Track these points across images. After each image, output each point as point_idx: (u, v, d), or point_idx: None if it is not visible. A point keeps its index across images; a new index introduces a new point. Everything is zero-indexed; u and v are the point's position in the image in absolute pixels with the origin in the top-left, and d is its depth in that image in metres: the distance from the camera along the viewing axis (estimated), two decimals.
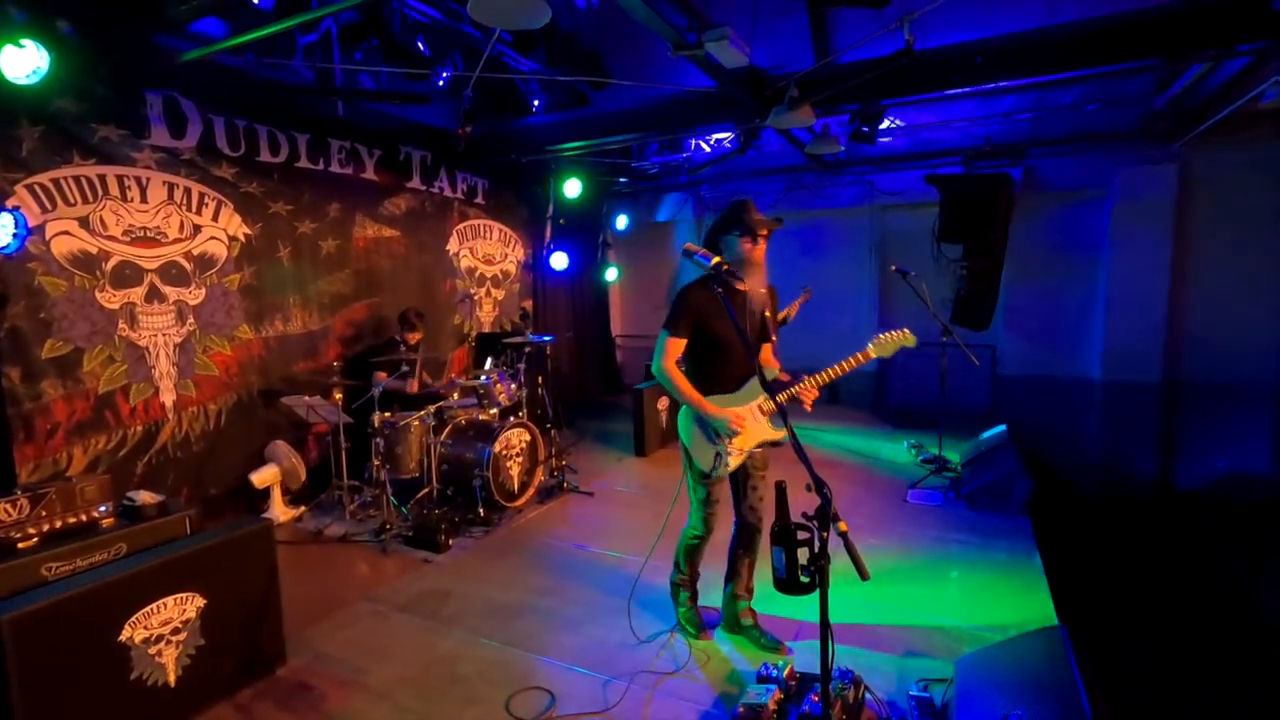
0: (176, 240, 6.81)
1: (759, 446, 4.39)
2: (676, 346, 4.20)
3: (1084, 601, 5.93)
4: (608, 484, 8.11)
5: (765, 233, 4.20)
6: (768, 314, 4.34)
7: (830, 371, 4.27)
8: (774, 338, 4.47)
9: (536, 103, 8.93)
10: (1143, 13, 5.76)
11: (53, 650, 3.33)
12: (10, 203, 5.58)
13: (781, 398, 3.97)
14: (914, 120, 9.72)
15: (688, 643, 4.64)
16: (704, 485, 4.37)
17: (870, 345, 4.40)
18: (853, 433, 10.31)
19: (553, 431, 8.30)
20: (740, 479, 4.49)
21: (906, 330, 4.39)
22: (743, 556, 4.66)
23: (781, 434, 4.27)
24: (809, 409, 4.25)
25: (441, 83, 7.34)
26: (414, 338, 8.01)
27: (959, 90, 7.03)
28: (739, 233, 4.17)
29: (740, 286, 4.13)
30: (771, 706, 3.66)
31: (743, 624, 4.69)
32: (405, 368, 7.47)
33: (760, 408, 4.28)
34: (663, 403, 9.87)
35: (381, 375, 7.43)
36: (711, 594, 4.93)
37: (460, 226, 10.50)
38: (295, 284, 7.96)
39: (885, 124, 8.82)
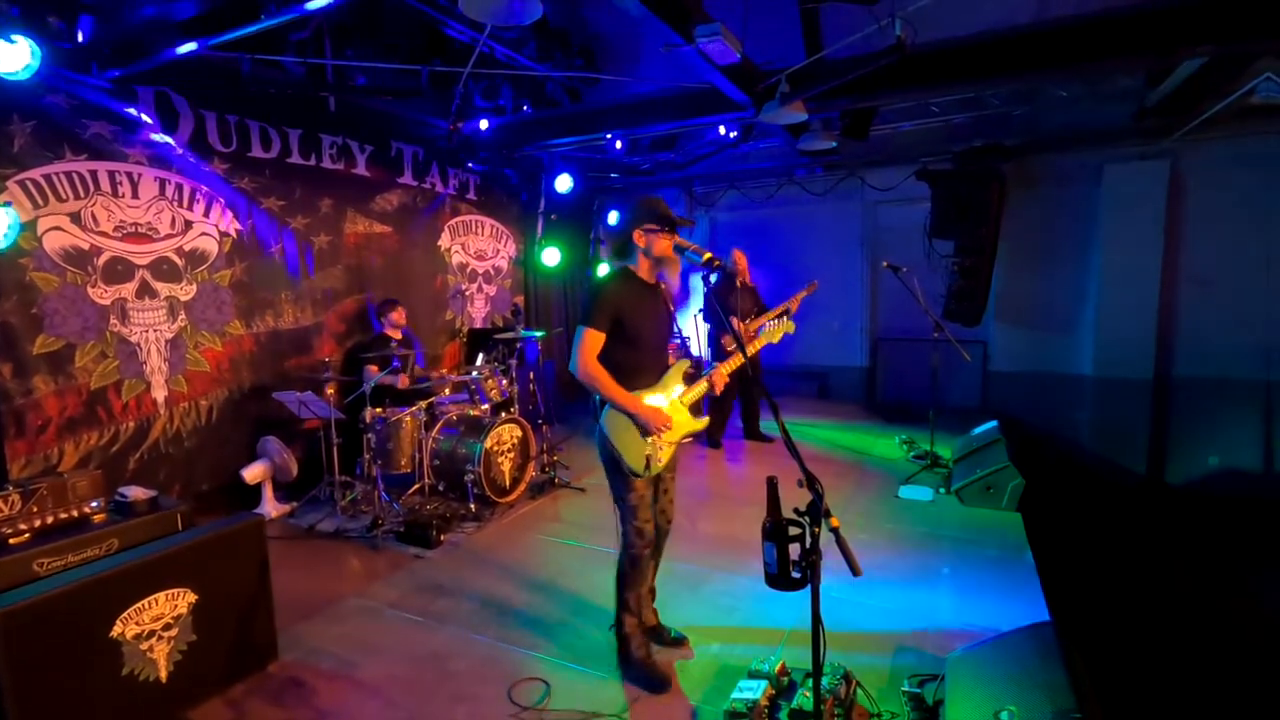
0: (168, 236, 6.79)
1: (686, 438, 4.34)
2: (597, 341, 4.00)
3: (1075, 597, 5.95)
4: (599, 479, 8.06)
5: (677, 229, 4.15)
6: (670, 307, 4.38)
7: (731, 363, 4.39)
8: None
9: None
10: (1135, 8, 5.77)
11: (44, 646, 3.33)
12: (2, 198, 5.56)
13: (701, 386, 4.29)
14: (904, 115, 9.72)
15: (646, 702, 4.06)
16: (634, 487, 4.15)
17: (761, 336, 4.94)
18: (844, 428, 10.30)
19: (544, 427, 8.30)
20: (652, 481, 4.33)
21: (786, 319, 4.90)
22: (649, 559, 4.49)
23: (703, 423, 4.39)
24: (718, 392, 4.41)
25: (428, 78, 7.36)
26: (399, 317, 8.06)
27: (951, 85, 7.04)
28: (656, 228, 4.06)
29: (655, 282, 4.22)
30: (763, 702, 3.67)
31: (645, 623, 4.55)
32: (396, 362, 7.47)
33: (681, 400, 4.25)
34: None
35: (373, 369, 7.43)
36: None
37: (452, 222, 10.48)
38: (286, 280, 7.95)
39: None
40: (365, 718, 4.00)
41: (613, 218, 12.09)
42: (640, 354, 4.15)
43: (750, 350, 4.24)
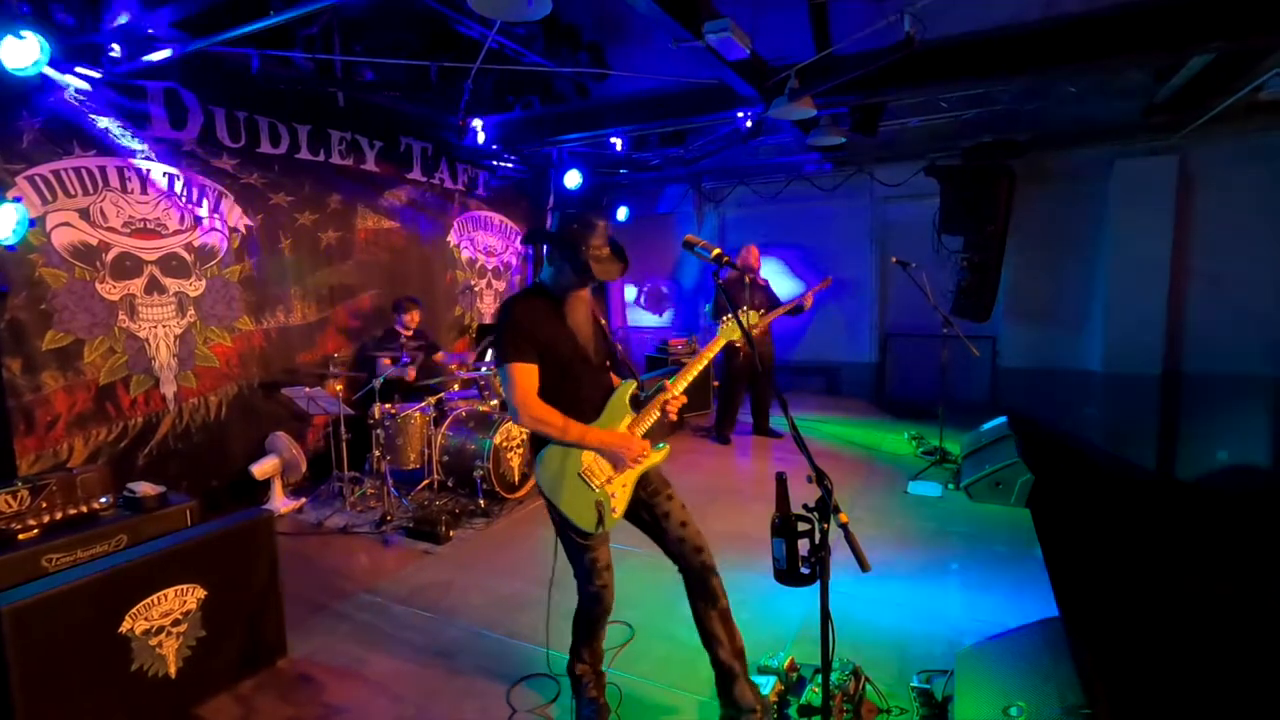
0: (177, 232, 6.81)
1: (644, 473, 3.63)
2: (531, 375, 3.32)
3: (1084, 593, 5.93)
4: None
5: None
6: (601, 320, 3.72)
7: (687, 374, 3.68)
8: (618, 347, 3.81)
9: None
10: (1145, 4, 5.74)
11: (53, 642, 3.34)
12: (11, 194, 5.58)
13: (653, 415, 3.60)
14: (913, 111, 9.68)
15: None
16: (590, 547, 3.57)
17: (718, 337, 3.88)
18: (853, 424, 10.28)
19: None
20: (646, 518, 3.69)
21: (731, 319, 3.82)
22: (707, 610, 3.66)
23: (663, 454, 3.63)
24: (674, 418, 3.62)
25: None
26: (411, 319, 8.05)
27: (960, 81, 7.00)
28: (592, 238, 3.49)
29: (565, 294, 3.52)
30: (772, 698, 3.66)
31: (742, 706, 3.62)
32: (406, 358, 7.47)
33: (632, 429, 3.54)
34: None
35: (386, 361, 7.45)
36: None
37: (461, 218, 10.50)
38: (296, 276, 7.97)
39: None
40: (374, 714, 4.01)
41: (621, 213, 11.85)
42: (569, 384, 3.47)
43: (708, 353, 3.84)
